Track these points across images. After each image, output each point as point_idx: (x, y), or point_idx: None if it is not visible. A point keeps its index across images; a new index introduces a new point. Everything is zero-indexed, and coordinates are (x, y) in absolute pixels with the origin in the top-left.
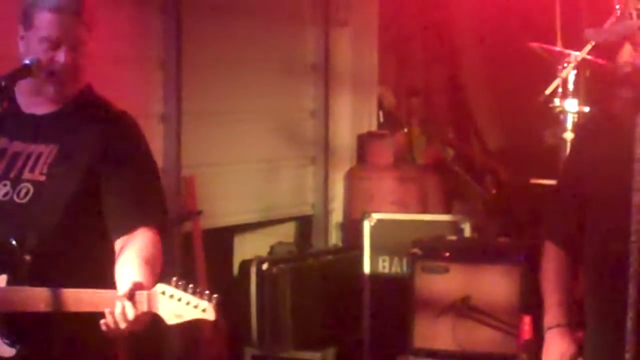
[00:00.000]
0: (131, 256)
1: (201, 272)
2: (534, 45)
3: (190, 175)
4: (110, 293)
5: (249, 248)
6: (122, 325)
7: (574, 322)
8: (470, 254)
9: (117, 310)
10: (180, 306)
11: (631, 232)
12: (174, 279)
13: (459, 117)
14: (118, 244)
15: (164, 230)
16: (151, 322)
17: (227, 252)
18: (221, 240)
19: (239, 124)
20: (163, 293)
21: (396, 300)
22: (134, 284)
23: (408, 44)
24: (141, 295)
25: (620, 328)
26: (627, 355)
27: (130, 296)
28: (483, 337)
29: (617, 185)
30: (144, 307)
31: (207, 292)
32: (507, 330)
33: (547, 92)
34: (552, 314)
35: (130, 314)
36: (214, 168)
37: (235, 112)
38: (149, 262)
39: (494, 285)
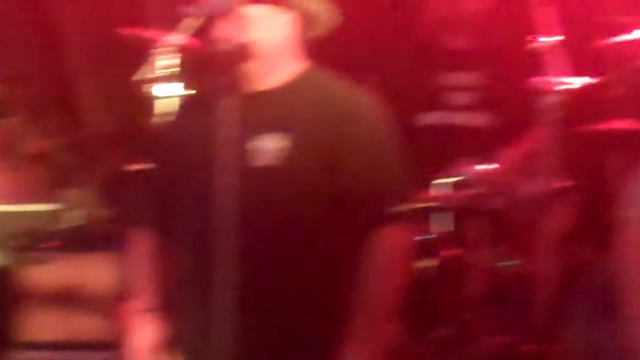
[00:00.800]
0: None
1: None
2: (125, 31)
3: None
4: None
5: None
6: None
7: (164, 307)
8: (76, 243)
9: None
10: None
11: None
12: None
13: (66, 105)
14: None
15: None
16: None
17: None
18: None
19: None
20: None
21: (1, 294)
22: None
23: (10, 31)
24: None
25: (209, 311)
26: (221, 336)
27: None
28: (89, 325)
29: (206, 168)
30: None
31: None
32: (111, 317)
33: (137, 78)
34: (140, 299)
35: None
36: None
37: None
38: None
39: (99, 273)
